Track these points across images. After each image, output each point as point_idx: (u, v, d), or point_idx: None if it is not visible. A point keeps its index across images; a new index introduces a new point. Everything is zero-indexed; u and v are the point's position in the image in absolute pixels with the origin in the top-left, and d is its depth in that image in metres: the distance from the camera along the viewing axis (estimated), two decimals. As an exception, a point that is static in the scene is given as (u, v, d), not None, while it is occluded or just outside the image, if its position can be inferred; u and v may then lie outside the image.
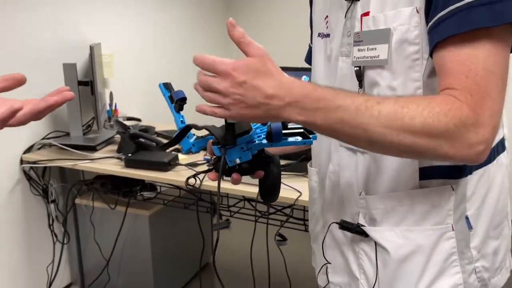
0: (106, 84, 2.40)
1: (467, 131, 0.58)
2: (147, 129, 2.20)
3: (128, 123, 2.23)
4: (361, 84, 0.74)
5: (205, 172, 0.75)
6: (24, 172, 1.97)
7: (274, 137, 0.66)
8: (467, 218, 0.74)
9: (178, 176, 1.71)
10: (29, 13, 1.94)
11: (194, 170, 1.72)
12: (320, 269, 0.90)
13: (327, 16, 0.83)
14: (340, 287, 0.87)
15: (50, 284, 2.09)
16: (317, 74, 0.87)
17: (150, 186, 1.98)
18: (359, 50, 0.73)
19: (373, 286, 0.78)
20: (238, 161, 0.69)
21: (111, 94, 2.36)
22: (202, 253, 2.00)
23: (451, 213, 0.73)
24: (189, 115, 0.80)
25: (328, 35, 0.83)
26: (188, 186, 0.78)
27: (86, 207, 2.09)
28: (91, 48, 1.94)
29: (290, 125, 0.71)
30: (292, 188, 1.49)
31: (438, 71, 0.64)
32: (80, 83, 2.03)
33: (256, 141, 0.68)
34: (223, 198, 1.82)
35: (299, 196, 1.44)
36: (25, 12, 1.92)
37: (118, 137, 2.08)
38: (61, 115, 2.10)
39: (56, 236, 2.11)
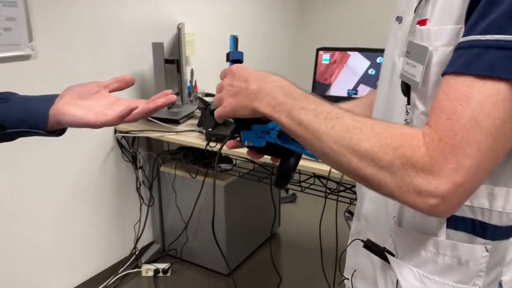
0: (187, 61, 2.57)
1: (416, 175, 0.51)
2: (223, 105, 2.34)
3: (206, 99, 2.39)
4: (409, 101, 0.65)
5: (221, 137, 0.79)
6: (117, 140, 2.21)
7: (282, 135, 0.70)
8: (500, 284, 0.64)
9: (254, 151, 1.83)
10: (124, -4, 2.14)
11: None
12: (353, 273, 0.87)
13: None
14: None
15: (137, 240, 2.36)
16: (386, 60, 0.77)
17: (227, 159, 2.14)
18: (407, 63, 0.64)
19: None
20: (251, 143, 0.72)
21: (192, 71, 2.52)
22: (274, 222, 2.14)
23: (482, 274, 0.62)
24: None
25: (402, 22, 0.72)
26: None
27: (169, 174, 2.30)
28: (179, 29, 2.09)
29: None
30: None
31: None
32: (166, 61, 2.20)
33: (271, 134, 0.71)
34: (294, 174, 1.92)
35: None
36: (120, -5, 2.12)
37: (198, 112, 2.25)
38: (149, 90, 2.30)
39: (142, 198, 2.36)
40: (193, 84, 2.54)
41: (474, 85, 0.50)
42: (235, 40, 0.84)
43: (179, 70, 2.19)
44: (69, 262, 2.08)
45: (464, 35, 0.53)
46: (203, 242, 2.34)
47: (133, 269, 2.33)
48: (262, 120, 0.70)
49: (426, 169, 0.51)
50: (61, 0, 1.87)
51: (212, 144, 1.86)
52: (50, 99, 0.76)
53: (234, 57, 0.80)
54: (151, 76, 2.30)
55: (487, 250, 0.62)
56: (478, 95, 0.49)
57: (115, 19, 2.12)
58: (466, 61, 0.51)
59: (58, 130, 0.77)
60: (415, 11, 0.66)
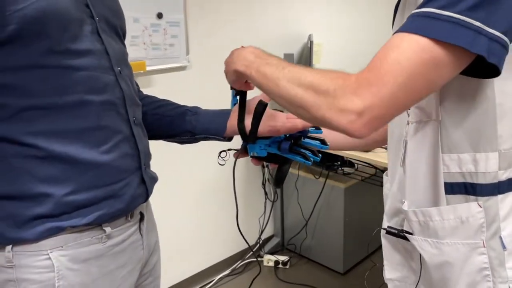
0: (313, 70, 2.76)
1: (344, 95, 0.65)
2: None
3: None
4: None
5: (235, 150, 1.01)
6: (248, 141, 2.48)
7: (281, 147, 0.92)
8: (501, 238, 0.75)
9: (376, 156, 1.92)
10: (262, 10, 2.39)
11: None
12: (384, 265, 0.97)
13: None
14: (398, 281, 0.93)
15: (262, 232, 2.60)
16: None
17: (349, 162, 2.25)
18: None
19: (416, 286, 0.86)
20: (255, 154, 0.95)
21: (316, 79, 2.70)
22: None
23: (484, 230, 0.74)
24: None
25: None
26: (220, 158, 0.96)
27: (293, 174, 2.49)
28: (311, 42, 2.28)
29: (306, 141, 0.95)
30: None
31: None
32: (295, 70, 2.40)
33: (272, 146, 0.94)
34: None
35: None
36: (259, 9, 2.37)
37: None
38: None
39: (266, 194, 2.60)
40: (317, 91, 2.70)
41: (403, 39, 0.65)
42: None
43: (307, 78, 2.37)
44: (205, 245, 2.39)
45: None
46: (321, 240, 2.48)
47: (256, 258, 2.57)
48: (265, 137, 0.94)
49: (352, 91, 0.64)
50: (210, 19, 2.18)
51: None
52: (227, 114, 1.01)
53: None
54: (281, 83, 2.53)
55: (480, 206, 0.73)
56: (405, 45, 0.64)
57: (253, 32, 2.38)
58: (405, 25, 0.66)
59: (228, 137, 1.01)
60: None
